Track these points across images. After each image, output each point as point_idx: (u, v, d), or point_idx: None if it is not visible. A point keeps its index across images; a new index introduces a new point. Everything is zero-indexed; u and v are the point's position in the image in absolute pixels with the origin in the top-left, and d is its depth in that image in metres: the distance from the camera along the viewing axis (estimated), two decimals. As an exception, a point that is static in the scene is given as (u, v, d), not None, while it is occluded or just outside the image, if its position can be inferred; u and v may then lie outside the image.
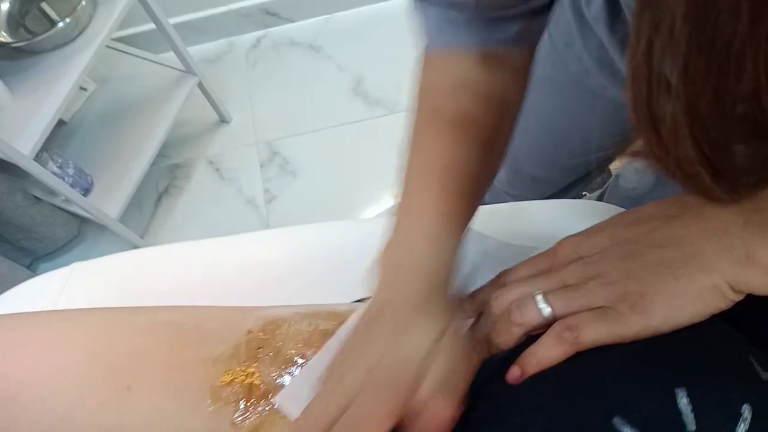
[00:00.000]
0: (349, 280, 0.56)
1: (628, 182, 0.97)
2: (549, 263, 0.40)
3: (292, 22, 1.90)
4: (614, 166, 1.37)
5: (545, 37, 0.69)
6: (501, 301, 0.39)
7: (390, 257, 0.42)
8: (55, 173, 1.28)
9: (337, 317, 0.46)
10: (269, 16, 1.87)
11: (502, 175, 0.95)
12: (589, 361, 0.33)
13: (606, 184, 1.15)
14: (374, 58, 1.81)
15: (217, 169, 1.71)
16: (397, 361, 0.37)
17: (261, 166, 1.70)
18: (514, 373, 0.35)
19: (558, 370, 0.34)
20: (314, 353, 0.43)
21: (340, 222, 0.67)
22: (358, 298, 0.50)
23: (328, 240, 0.65)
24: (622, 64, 0.56)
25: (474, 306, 0.44)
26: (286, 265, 0.62)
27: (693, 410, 0.30)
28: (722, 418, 0.30)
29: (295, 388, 0.42)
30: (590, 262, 0.36)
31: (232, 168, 1.71)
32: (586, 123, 0.73)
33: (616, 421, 0.30)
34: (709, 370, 0.31)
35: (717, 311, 0.32)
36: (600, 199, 1.08)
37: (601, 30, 0.55)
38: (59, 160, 1.33)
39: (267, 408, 0.41)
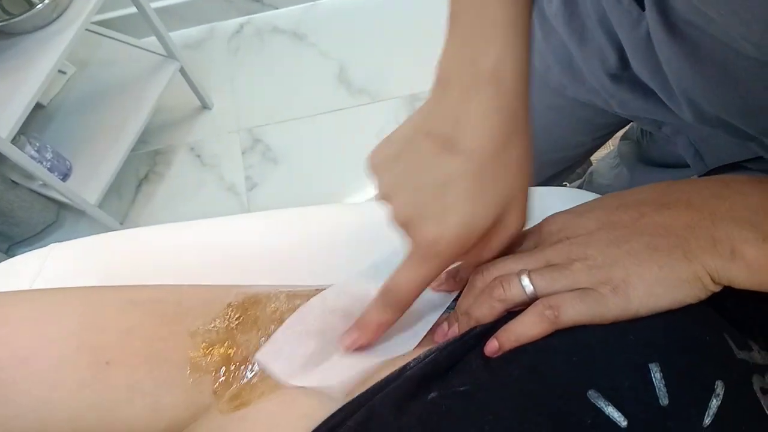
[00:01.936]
0: (331, 265, 0.56)
1: (603, 178, 0.98)
2: (535, 239, 0.40)
3: (276, 8, 1.89)
4: (594, 158, 1.38)
5: None
6: (485, 276, 0.39)
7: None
8: (32, 157, 1.26)
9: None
10: (252, 2, 1.86)
11: None
12: (566, 338, 0.34)
13: (584, 176, 1.17)
14: (358, 46, 1.80)
15: (198, 156, 1.70)
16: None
17: (242, 153, 1.69)
18: (492, 347, 0.35)
19: (536, 345, 0.34)
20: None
21: (322, 206, 0.67)
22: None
23: (311, 224, 0.65)
24: (580, 60, 0.57)
25: (458, 279, 0.44)
26: (267, 248, 0.62)
27: (666, 385, 0.30)
28: (695, 393, 0.30)
29: (275, 345, 0.42)
30: (576, 243, 0.37)
31: (213, 155, 1.70)
32: (555, 122, 0.73)
33: (591, 393, 0.31)
34: (683, 347, 0.32)
35: (696, 300, 0.33)
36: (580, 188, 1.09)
37: (560, 25, 0.55)
38: (37, 144, 1.31)
39: (246, 374, 0.41)
